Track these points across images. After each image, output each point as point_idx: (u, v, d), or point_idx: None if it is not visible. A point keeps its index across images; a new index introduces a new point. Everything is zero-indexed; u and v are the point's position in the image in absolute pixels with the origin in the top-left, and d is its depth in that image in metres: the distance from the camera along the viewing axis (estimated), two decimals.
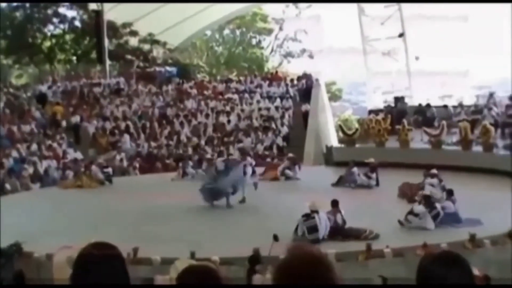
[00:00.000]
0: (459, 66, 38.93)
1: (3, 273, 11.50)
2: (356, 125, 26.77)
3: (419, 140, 24.34)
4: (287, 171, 22.16)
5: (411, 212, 13.90)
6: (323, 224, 13.05)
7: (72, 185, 22.29)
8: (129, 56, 43.66)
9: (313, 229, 12.93)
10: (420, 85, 38.68)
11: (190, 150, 27.68)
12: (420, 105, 29.78)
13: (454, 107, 28.58)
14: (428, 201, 13.97)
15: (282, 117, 30.76)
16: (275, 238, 11.23)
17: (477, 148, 22.04)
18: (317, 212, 13.09)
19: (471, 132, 22.51)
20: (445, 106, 28.75)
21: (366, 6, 40.20)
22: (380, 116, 25.30)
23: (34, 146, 26.80)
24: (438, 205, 14.01)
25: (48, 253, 11.51)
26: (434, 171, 17.26)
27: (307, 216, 13.06)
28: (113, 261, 2.58)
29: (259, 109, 31.73)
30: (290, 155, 23.50)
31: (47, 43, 45.56)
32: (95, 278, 2.52)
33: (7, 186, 22.35)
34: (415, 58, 38.86)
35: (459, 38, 39.97)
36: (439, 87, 38.21)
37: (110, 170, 23.33)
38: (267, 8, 53.29)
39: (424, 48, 38.88)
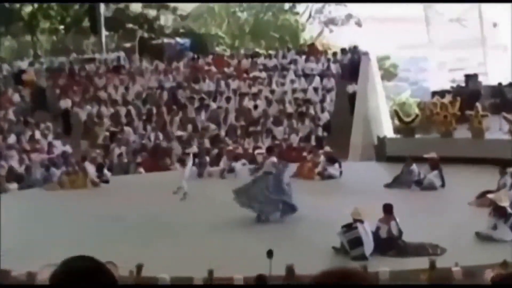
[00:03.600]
0: None
1: None
2: (416, 111, 26.57)
3: (497, 129, 24.12)
4: (327, 172, 22.20)
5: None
6: (369, 237, 12.99)
7: (59, 187, 22.47)
8: (130, 25, 43.83)
9: (356, 242, 12.85)
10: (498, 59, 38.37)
11: (207, 143, 27.71)
12: (500, 84, 29.45)
13: None
14: (499, 211, 13.84)
15: (322, 100, 30.65)
16: (269, 254, 10.85)
17: None
18: (361, 221, 13.04)
19: None
20: None
21: None
22: (446, 99, 25.11)
23: (12, 138, 27.04)
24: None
25: (31, 271, 11.64)
26: None
27: (348, 227, 13.00)
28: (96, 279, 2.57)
29: (293, 90, 31.64)
30: (327, 149, 23.43)
31: (28, 8, 45.73)
32: None
33: None
34: (493, 25, 38.53)
35: None
36: None
37: (108, 174, 23.57)
38: None
39: None
